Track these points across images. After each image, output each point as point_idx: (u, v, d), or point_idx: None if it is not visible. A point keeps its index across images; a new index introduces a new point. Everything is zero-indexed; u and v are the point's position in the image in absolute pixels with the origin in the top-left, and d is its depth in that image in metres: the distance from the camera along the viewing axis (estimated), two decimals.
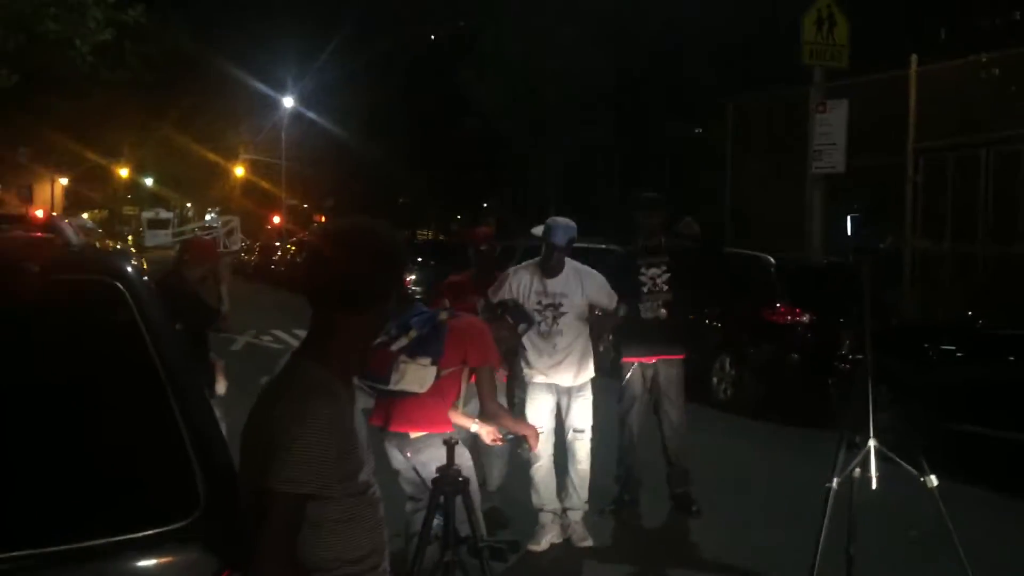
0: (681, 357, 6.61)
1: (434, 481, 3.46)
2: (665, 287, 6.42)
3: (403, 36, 36.45)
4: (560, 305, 5.72)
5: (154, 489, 2.28)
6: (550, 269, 5.75)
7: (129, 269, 2.46)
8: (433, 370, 4.27)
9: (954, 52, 14.51)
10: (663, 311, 6.37)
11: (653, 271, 6.42)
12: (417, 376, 4.22)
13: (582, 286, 5.76)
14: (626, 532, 6.30)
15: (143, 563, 2.21)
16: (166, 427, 2.28)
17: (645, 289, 6.40)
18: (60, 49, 14.50)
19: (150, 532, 2.21)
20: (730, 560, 5.77)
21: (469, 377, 4.49)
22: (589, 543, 5.83)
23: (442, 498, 3.40)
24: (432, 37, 39.47)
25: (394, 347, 4.25)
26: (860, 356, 4.53)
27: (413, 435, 4.34)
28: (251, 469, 2.13)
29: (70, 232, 2.54)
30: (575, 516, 5.86)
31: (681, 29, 22.25)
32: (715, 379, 10.76)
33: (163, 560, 2.23)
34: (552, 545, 5.79)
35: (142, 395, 2.33)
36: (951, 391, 8.02)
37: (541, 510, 5.80)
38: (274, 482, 2.03)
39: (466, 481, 3.55)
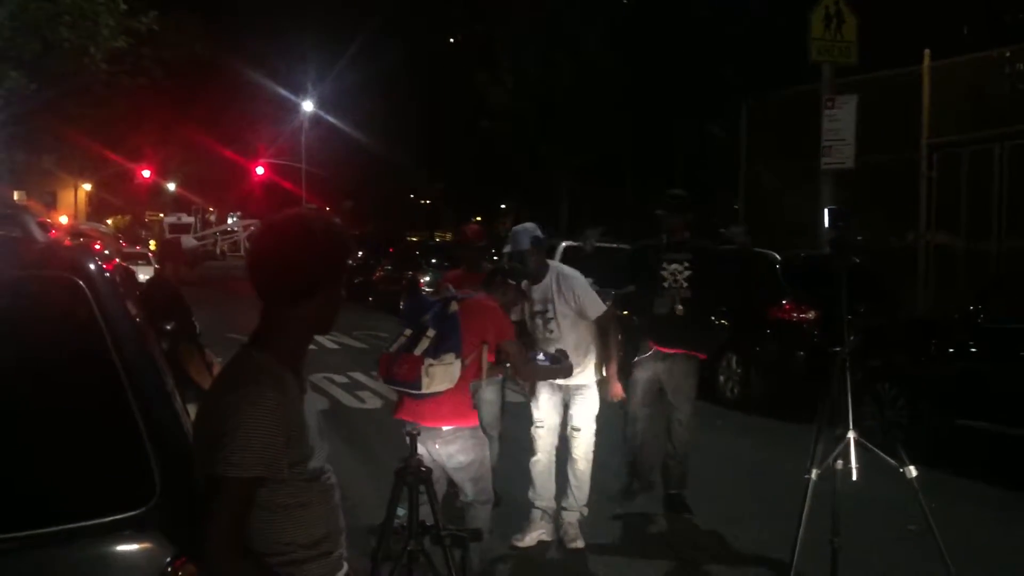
0: (698, 355, 6.53)
1: (397, 472, 3.52)
2: (685, 284, 6.39)
3: (422, 41, 36.57)
4: (546, 311, 5.73)
5: (111, 478, 2.35)
6: (531, 276, 5.70)
7: (91, 266, 2.53)
8: (459, 363, 4.34)
9: (976, 48, 14.41)
10: (679, 307, 6.32)
11: (675, 267, 6.39)
12: (446, 375, 4.30)
13: (562, 288, 5.72)
14: (622, 533, 6.28)
15: (99, 550, 2.28)
16: (123, 417, 2.35)
17: (665, 284, 6.39)
18: (76, 56, 14.72)
19: (106, 519, 2.28)
20: (731, 554, 5.79)
21: (487, 354, 4.57)
22: (580, 545, 5.78)
23: (405, 488, 3.45)
24: (451, 40, 39.60)
25: (417, 351, 4.32)
26: (837, 349, 4.50)
27: (445, 428, 4.47)
28: (202, 456, 2.19)
29: (34, 228, 2.62)
30: (570, 517, 5.83)
31: (696, 27, 22.23)
32: (722, 377, 10.76)
33: (119, 547, 2.30)
34: (541, 542, 5.78)
35: (99, 387, 2.40)
36: (955, 386, 7.99)
37: (533, 505, 5.80)
38: (221, 468, 2.09)
39: (429, 471, 3.60)
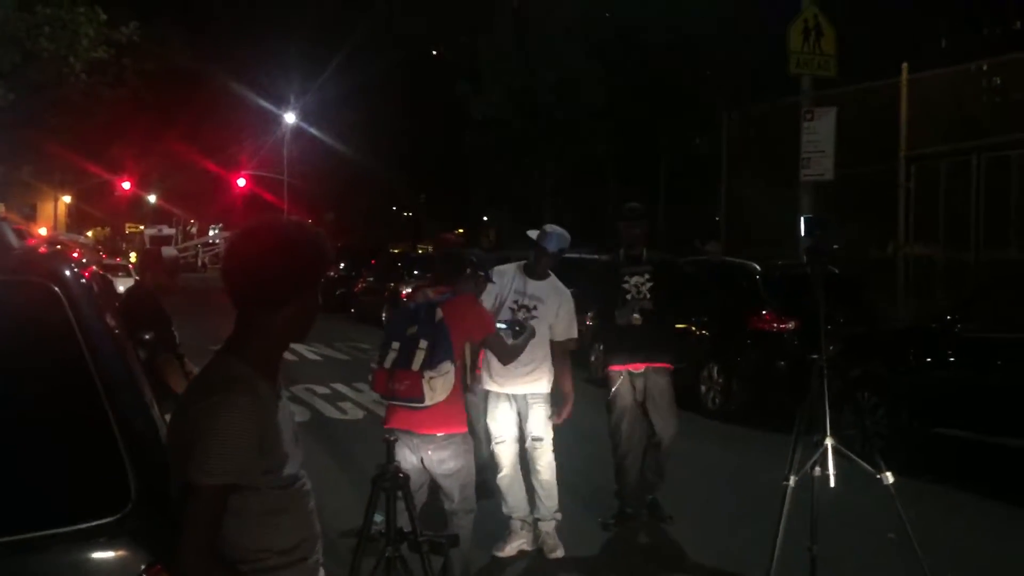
0: (668, 366, 6.52)
1: (374, 479, 3.52)
2: (648, 295, 6.41)
3: (405, 52, 36.65)
4: (534, 308, 5.79)
5: (85, 485, 2.33)
6: (535, 272, 5.88)
7: (66, 272, 2.52)
8: (453, 367, 4.40)
9: (954, 60, 14.58)
10: (636, 316, 6.30)
11: (636, 279, 6.42)
12: (447, 384, 4.36)
13: (558, 301, 5.83)
14: (605, 542, 6.28)
15: (74, 556, 2.26)
16: (98, 424, 2.34)
17: (628, 296, 6.39)
18: (55, 67, 14.66)
19: (81, 526, 2.26)
20: (710, 562, 5.81)
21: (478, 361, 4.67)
22: (560, 554, 5.78)
23: (383, 494, 3.45)
24: (434, 53, 39.70)
25: (415, 366, 4.34)
26: (815, 356, 4.54)
27: (440, 435, 4.51)
28: (175, 463, 2.18)
29: (10, 235, 2.61)
30: (546, 527, 5.81)
31: (677, 40, 22.38)
32: (703, 387, 10.80)
33: (93, 554, 2.27)
34: (522, 552, 5.79)
35: (74, 393, 2.38)
36: (934, 395, 8.05)
37: (510, 517, 5.80)
38: (193, 474, 2.09)
39: (406, 477, 3.61)
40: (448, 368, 4.35)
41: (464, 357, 4.65)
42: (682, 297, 7.21)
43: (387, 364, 4.46)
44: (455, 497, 4.64)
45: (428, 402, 4.33)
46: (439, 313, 4.49)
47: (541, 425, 5.81)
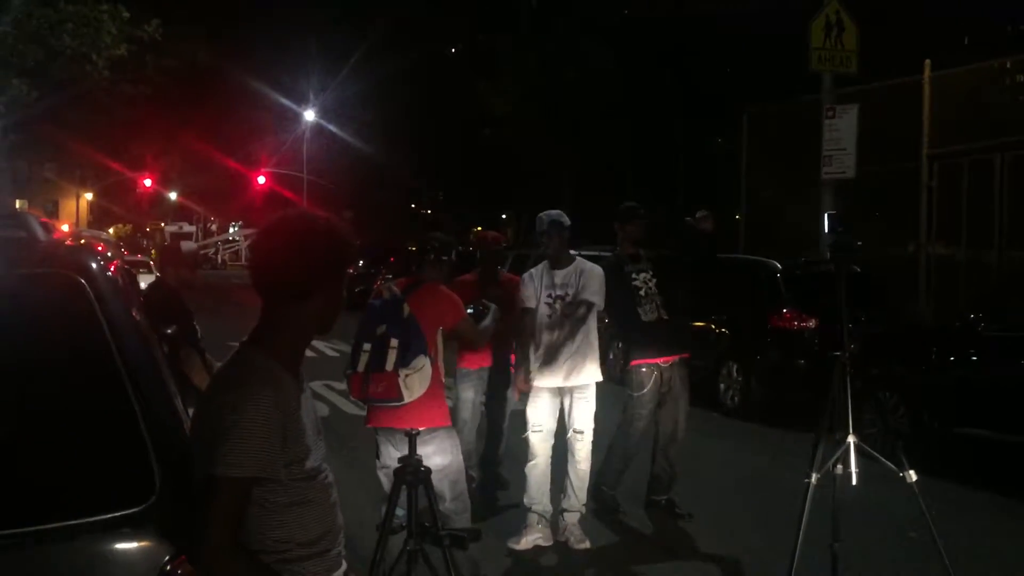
0: (688, 355, 6.69)
1: (396, 472, 3.51)
2: (656, 290, 6.47)
3: (423, 50, 36.67)
4: (567, 296, 5.86)
5: (110, 475, 2.35)
6: (554, 260, 5.97)
7: (92, 265, 2.54)
8: (429, 361, 4.30)
9: (976, 58, 14.44)
10: (663, 311, 6.39)
11: (644, 275, 6.48)
12: (423, 378, 4.27)
13: (583, 277, 5.90)
14: (626, 535, 6.30)
15: (98, 547, 2.28)
16: (123, 415, 2.36)
17: (642, 293, 6.42)
18: (78, 64, 14.75)
19: (106, 516, 2.28)
20: (731, 559, 5.78)
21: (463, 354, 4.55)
22: (587, 545, 5.83)
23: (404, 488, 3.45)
24: (452, 51, 39.70)
25: (388, 366, 4.24)
26: (837, 353, 4.51)
27: (420, 429, 4.33)
28: (200, 455, 2.19)
29: (37, 229, 2.63)
30: (572, 518, 5.87)
31: (697, 37, 22.31)
32: (722, 385, 10.76)
33: (118, 544, 2.30)
34: (537, 547, 5.82)
35: (101, 385, 2.40)
36: (955, 394, 7.99)
37: (529, 509, 5.85)
38: (216, 467, 2.09)
39: (428, 471, 3.60)
40: (423, 362, 4.25)
41: (438, 346, 4.54)
42: (686, 288, 7.24)
43: (360, 367, 4.35)
44: (446, 496, 4.53)
45: (406, 400, 4.26)
46: (406, 309, 4.39)
47: (585, 418, 5.88)
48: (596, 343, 5.92)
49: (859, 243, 4.69)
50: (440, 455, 4.46)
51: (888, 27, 18.87)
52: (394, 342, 4.27)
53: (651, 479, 6.69)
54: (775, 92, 18.22)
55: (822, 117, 13.53)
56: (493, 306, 5.12)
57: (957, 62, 14.39)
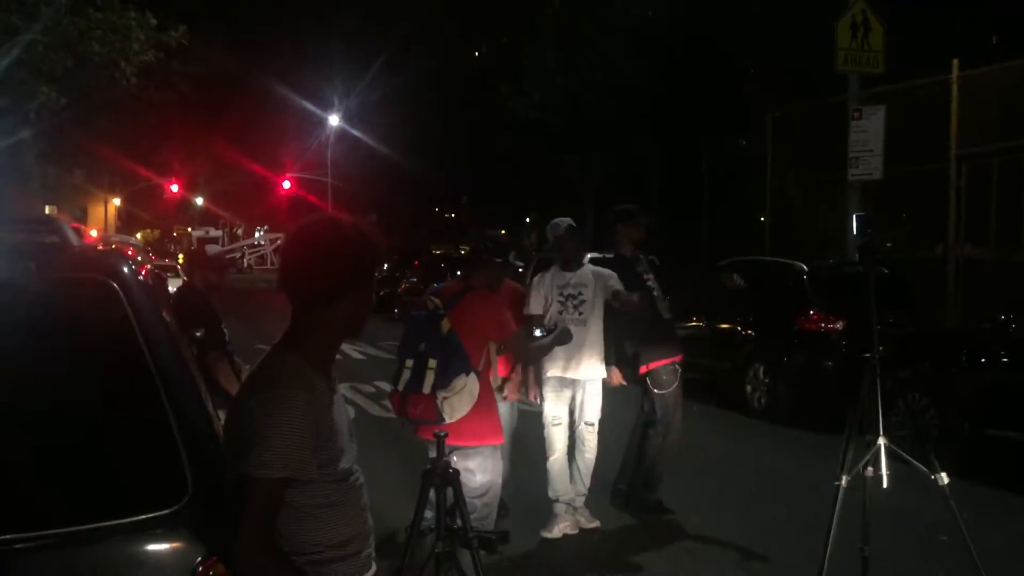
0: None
1: (424, 474, 3.52)
2: (661, 290, 6.55)
3: (447, 54, 36.77)
4: (580, 295, 6.08)
5: (143, 477, 2.37)
6: (566, 263, 6.20)
7: (124, 269, 2.56)
8: (473, 377, 4.09)
9: (1005, 57, 14.28)
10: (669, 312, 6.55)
11: (650, 275, 6.53)
12: (464, 397, 4.05)
13: (597, 281, 6.12)
14: (649, 539, 6.25)
15: (131, 548, 2.30)
16: (156, 417, 2.38)
17: (656, 292, 6.46)
18: (106, 71, 14.91)
19: (139, 518, 2.31)
20: (760, 562, 5.76)
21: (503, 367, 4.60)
22: (597, 524, 6.18)
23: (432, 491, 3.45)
24: (476, 54, 39.78)
25: (425, 388, 4.04)
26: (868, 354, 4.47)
27: (470, 447, 4.24)
28: (232, 457, 2.21)
29: (70, 234, 2.66)
30: (579, 502, 6.18)
31: (722, 40, 22.20)
32: (749, 388, 10.70)
33: (150, 546, 2.32)
34: (566, 536, 6.07)
35: (133, 387, 2.43)
36: (986, 396, 7.90)
37: (556, 501, 6.10)
38: (249, 468, 2.11)
39: (456, 473, 3.59)
40: (463, 383, 4.02)
41: (489, 357, 4.34)
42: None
43: (400, 386, 4.16)
44: (476, 512, 4.18)
45: (449, 420, 4.04)
46: (446, 325, 4.14)
47: (595, 410, 6.17)
48: (602, 340, 6.16)
49: (889, 244, 4.66)
50: (481, 473, 4.26)
51: (915, 27, 18.69)
52: (432, 362, 4.06)
53: (645, 479, 6.67)
54: (799, 92, 18.12)
55: (849, 118, 13.42)
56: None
57: (985, 61, 14.25)
